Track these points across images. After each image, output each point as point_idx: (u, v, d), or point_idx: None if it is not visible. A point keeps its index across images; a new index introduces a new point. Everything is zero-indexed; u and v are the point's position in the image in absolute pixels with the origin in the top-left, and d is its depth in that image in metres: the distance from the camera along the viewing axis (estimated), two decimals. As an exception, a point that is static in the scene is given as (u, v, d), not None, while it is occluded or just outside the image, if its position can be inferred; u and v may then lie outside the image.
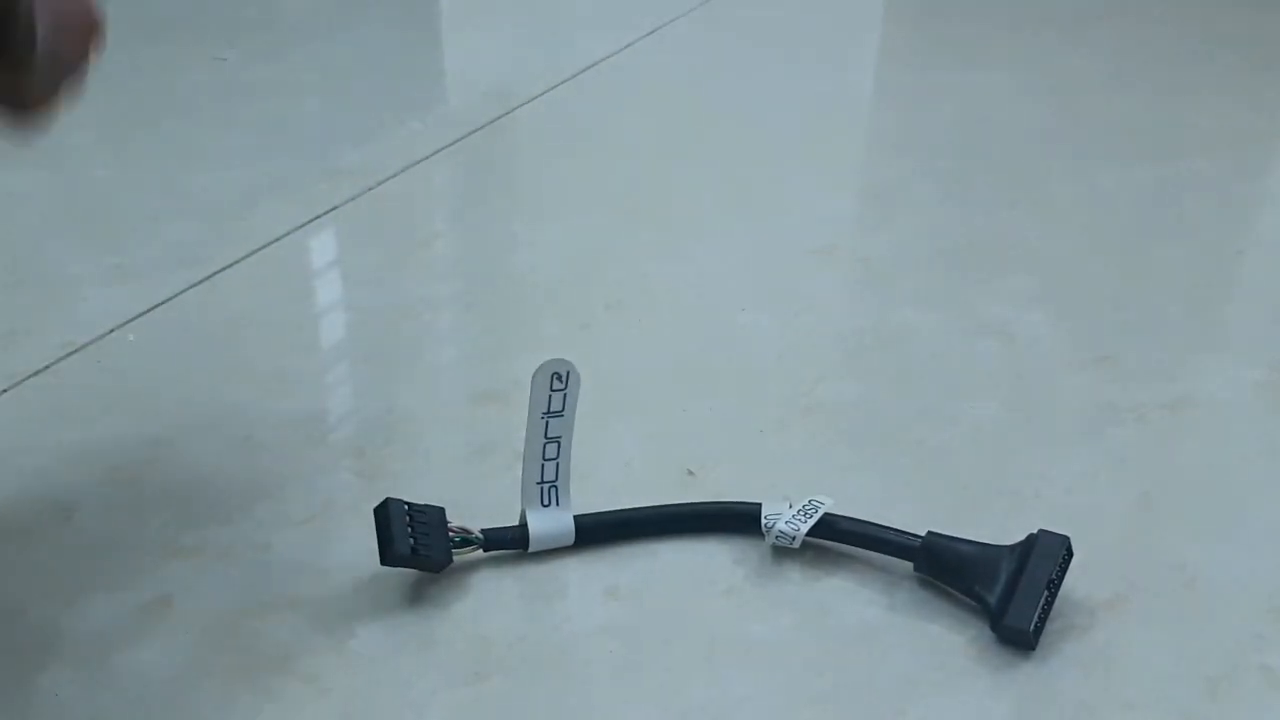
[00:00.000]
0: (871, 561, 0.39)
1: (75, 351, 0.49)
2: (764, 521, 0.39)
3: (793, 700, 0.34)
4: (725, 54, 0.89)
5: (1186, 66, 0.88)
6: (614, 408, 0.45)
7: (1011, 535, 0.38)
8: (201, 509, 0.40)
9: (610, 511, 0.40)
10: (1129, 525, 0.41)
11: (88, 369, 0.48)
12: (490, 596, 0.37)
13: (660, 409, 0.47)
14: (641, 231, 0.61)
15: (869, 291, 0.56)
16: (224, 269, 0.56)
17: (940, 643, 0.36)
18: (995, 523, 0.40)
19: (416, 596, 0.37)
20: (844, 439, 0.45)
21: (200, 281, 0.55)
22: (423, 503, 0.37)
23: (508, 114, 0.75)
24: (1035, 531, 0.37)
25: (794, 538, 0.38)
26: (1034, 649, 0.35)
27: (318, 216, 0.61)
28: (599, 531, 0.39)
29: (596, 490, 0.41)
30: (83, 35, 0.35)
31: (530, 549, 0.38)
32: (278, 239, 0.59)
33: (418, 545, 0.36)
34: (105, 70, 0.86)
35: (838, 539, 0.39)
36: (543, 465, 0.38)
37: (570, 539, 0.39)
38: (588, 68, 0.83)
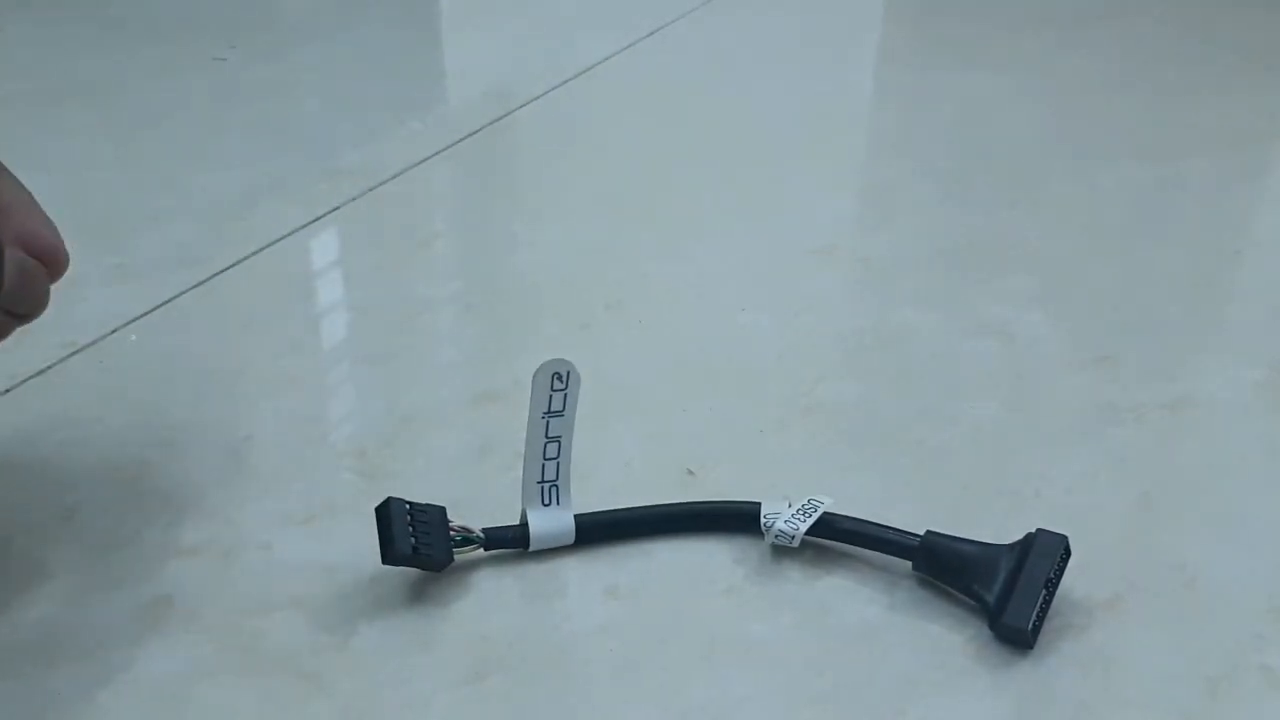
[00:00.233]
0: (871, 561, 0.39)
1: (76, 352, 0.49)
2: (763, 521, 0.39)
3: (793, 699, 0.34)
4: (725, 54, 0.89)
5: (1186, 67, 0.88)
6: (614, 408, 0.45)
7: (1011, 535, 0.38)
8: (202, 509, 0.41)
9: (610, 511, 0.40)
10: (1128, 525, 0.41)
11: (89, 369, 0.48)
12: (491, 596, 0.37)
13: (660, 409, 0.47)
14: (641, 231, 0.61)
15: (869, 291, 0.56)
16: (225, 269, 0.56)
17: (939, 642, 0.36)
18: (994, 522, 0.40)
19: (417, 595, 0.37)
20: (844, 439, 0.45)
21: (201, 282, 0.55)
22: (424, 502, 0.37)
23: (508, 114, 0.75)
24: (1034, 531, 0.37)
25: (793, 537, 0.38)
26: (1032, 648, 0.35)
27: (318, 217, 0.61)
28: (599, 531, 0.39)
29: (596, 490, 0.41)
30: (51, 273, 0.36)
31: (531, 548, 0.38)
32: (278, 239, 0.59)
33: (419, 544, 0.36)
34: (105, 70, 0.87)
35: (837, 538, 0.39)
36: (543, 465, 0.38)
37: (570, 538, 0.39)
38: (588, 68, 0.84)
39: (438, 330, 0.53)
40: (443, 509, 0.38)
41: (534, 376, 0.37)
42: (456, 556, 0.37)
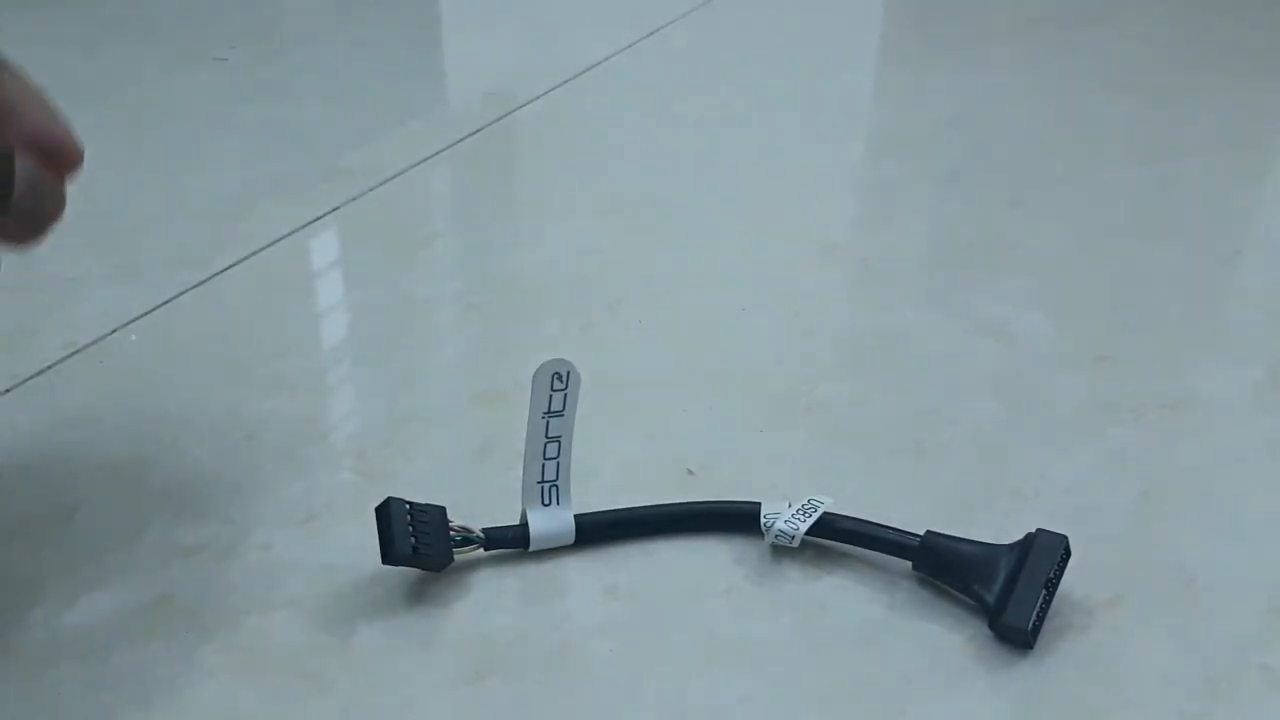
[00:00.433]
0: (870, 560, 0.39)
1: (77, 352, 0.49)
2: (763, 521, 0.39)
3: (792, 699, 0.34)
4: (725, 54, 0.89)
5: (1186, 67, 0.88)
6: (614, 408, 0.45)
7: (1010, 535, 0.38)
8: (202, 508, 0.41)
9: (610, 511, 0.40)
10: (1128, 525, 0.41)
11: (89, 369, 0.49)
12: (491, 595, 0.37)
13: (660, 409, 0.47)
14: (642, 232, 0.61)
15: (869, 291, 0.56)
16: (225, 269, 0.56)
17: (939, 641, 0.36)
18: (994, 522, 0.40)
19: (417, 595, 0.37)
20: (844, 438, 0.45)
21: (201, 282, 0.55)
22: (424, 502, 0.37)
23: (508, 114, 0.75)
24: (1034, 531, 0.37)
25: (793, 537, 0.38)
26: (1032, 647, 0.35)
27: (319, 217, 0.61)
28: (599, 531, 0.39)
29: (596, 490, 0.41)
30: (63, 170, 0.35)
31: (531, 548, 0.38)
32: (279, 239, 0.59)
33: (419, 544, 0.36)
34: (105, 71, 0.87)
35: (837, 538, 0.39)
36: (543, 465, 0.38)
37: (571, 538, 0.39)
38: (588, 69, 0.84)
39: (438, 330, 0.53)
40: (443, 509, 0.38)
41: (534, 376, 0.37)
42: (456, 556, 0.37)
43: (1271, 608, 0.37)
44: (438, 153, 0.69)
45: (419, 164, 0.68)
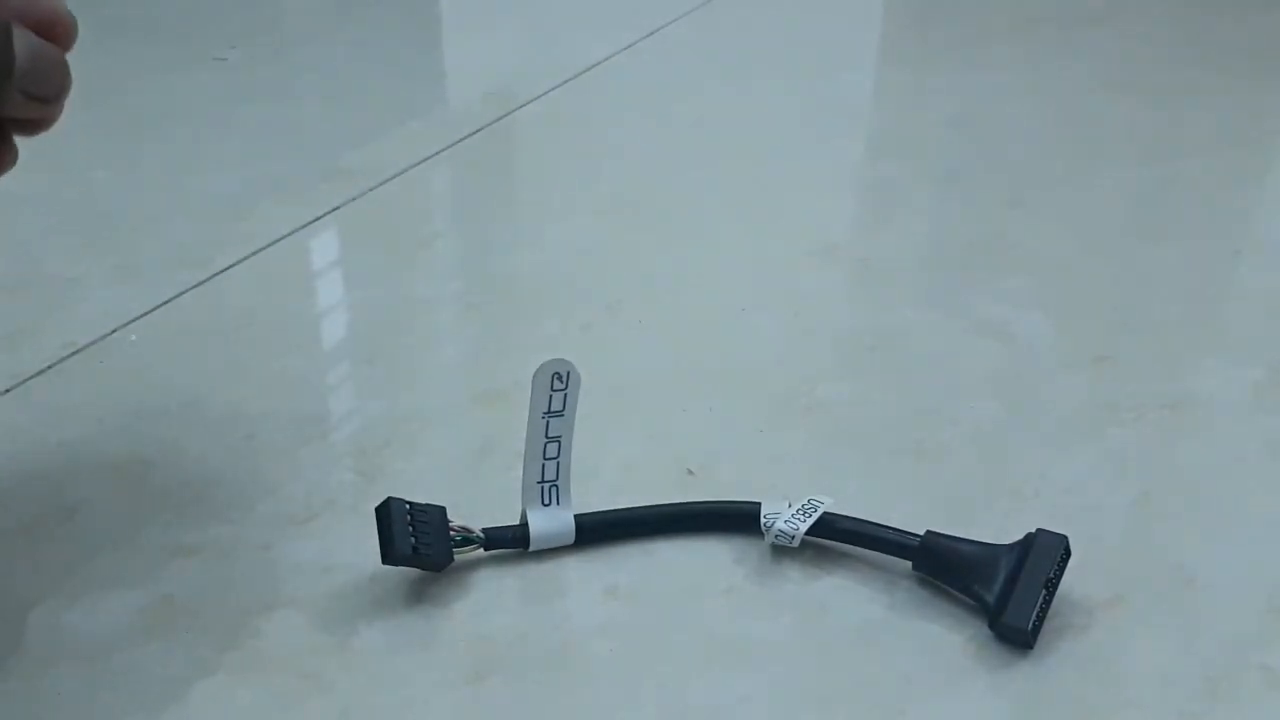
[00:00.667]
0: (870, 560, 0.39)
1: (77, 352, 0.49)
2: (763, 520, 0.39)
3: (792, 699, 0.34)
4: (725, 54, 0.89)
5: (1186, 67, 0.88)
6: (614, 407, 0.45)
7: (1010, 535, 0.38)
8: (203, 508, 0.41)
9: (610, 511, 0.40)
10: (1128, 525, 0.41)
11: (89, 369, 0.49)
12: (490, 595, 0.37)
13: (660, 409, 0.47)
14: (642, 232, 0.61)
15: (868, 291, 0.56)
16: (225, 269, 0.56)
17: (939, 641, 0.36)
18: (994, 522, 0.40)
19: (417, 595, 0.37)
20: (844, 438, 0.45)
21: (201, 282, 0.55)
22: (424, 502, 0.37)
23: (508, 114, 0.75)
24: (1034, 531, 0.37)
25: (793, 537, 0.38)
26: (1032, 647, 0.35)
27: (319, 217, 0.61)
28: (599, 531, 0.39)
29: (596, 490, 0.41)
30: (61, 41, 0.34)
31: (531, 548, 0.38)
32: (279, 239, 0.59)
33: (419, 544, 0.36)
34: (105, 71, 0.87)
35: (837, 538, 0.39)
36: (543, 465, 0.38)
37: (571, 538, 0.39)
38: (588, 69, 0.84)
39: (438, 330, 0.53)
40: (443, 509, 0.38)
41: (534, 376, 0.37)
42: (456, 556, 0.37)
43: (1271, 608, 0.37)
44: (438, 153, 0.69)
45: (419, 164, 0.68)
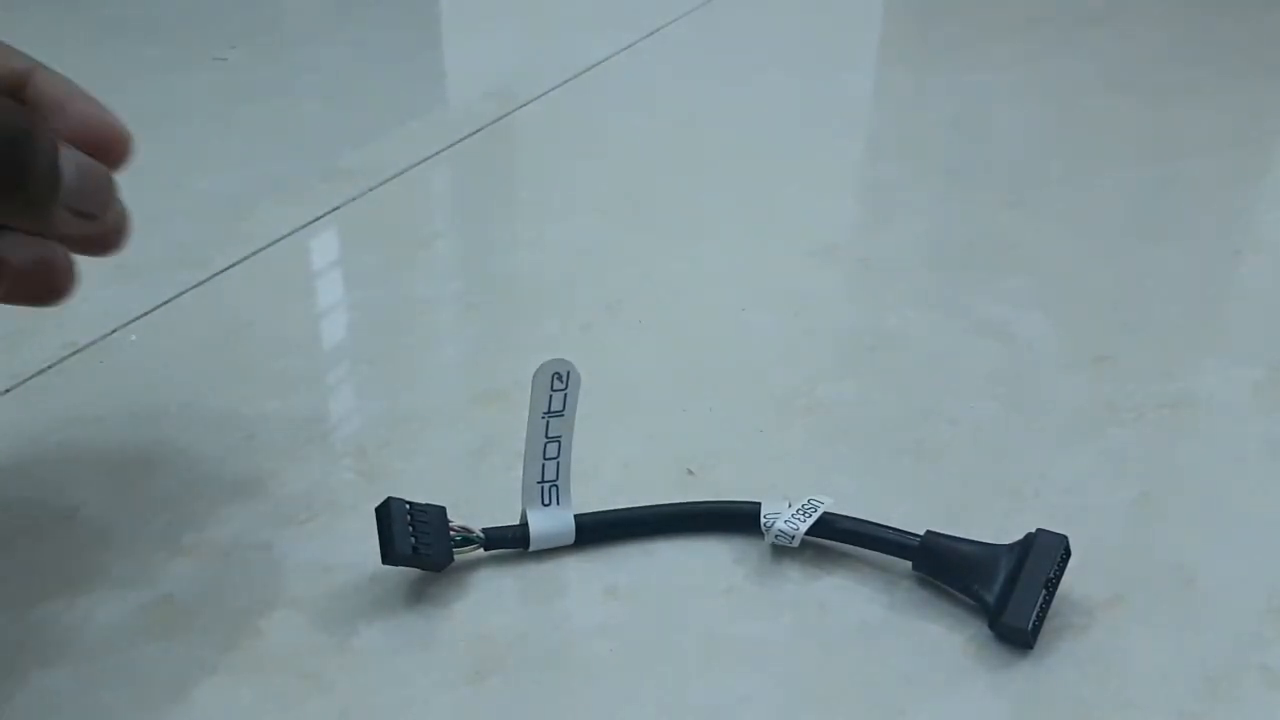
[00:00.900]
0: (870, 560, 0.39)
1: (77, 352, 0.49)
2: (763, 520, 0.39)
3: (792, 699, 0.34)
4: (725, 54, 0.89)
5: (1186, 67, 0.88)
6: (614, 407, 0.45)
7: (1010, 535, 0.38)
8: (203, 508, 0.41)
9: (610, 511, 0.40)
10: (1128, 525, 0.41)
11: (90, 369, 0.49)
12: (490, 595, 0.37)
13: (660, 409, 0.47)
14: (642, 232, 0.61)
15: (869, 291, 0.56)
16: (225, 269, 0.56)
17: (939, 641, 0.36)
18: (994, 522, 0.40)
19: (417, 595, 0.37)
20: (844, 438, 0.45)
21: (201, 282, 0.55)
22: (424, 502, 0.37)
23: (508, 114, 0.75)
24: (1034, 531, 0.37)
25: (793, 537, 0.38)
26: (1032, 648, 0.35)
27: (319, 217, 0.61)
28: (599, 531, 0.39)
29: (596, 490, 0.41)
30: (114, 161, 0.34)
31: (531, 548, 0.38)
32: (279, 239, 0.59)
33: (419, 544, 0.36)
34: (105, 71, 0.87)
35: (837, 538, 0.39)
36: (543, 465, 0.38)
37: (571, 538, 0.39)
38: (588, 69, 0.84)
39: (438, 330, 0.53)
40: (443, 509, 0.38)
41: (534, 376, 0.37)
42: (456, 556, 0.37)
43: (1271, 608, 0.37)
44: (438, 153, 0.70)
45: (419, 164, 0.68)
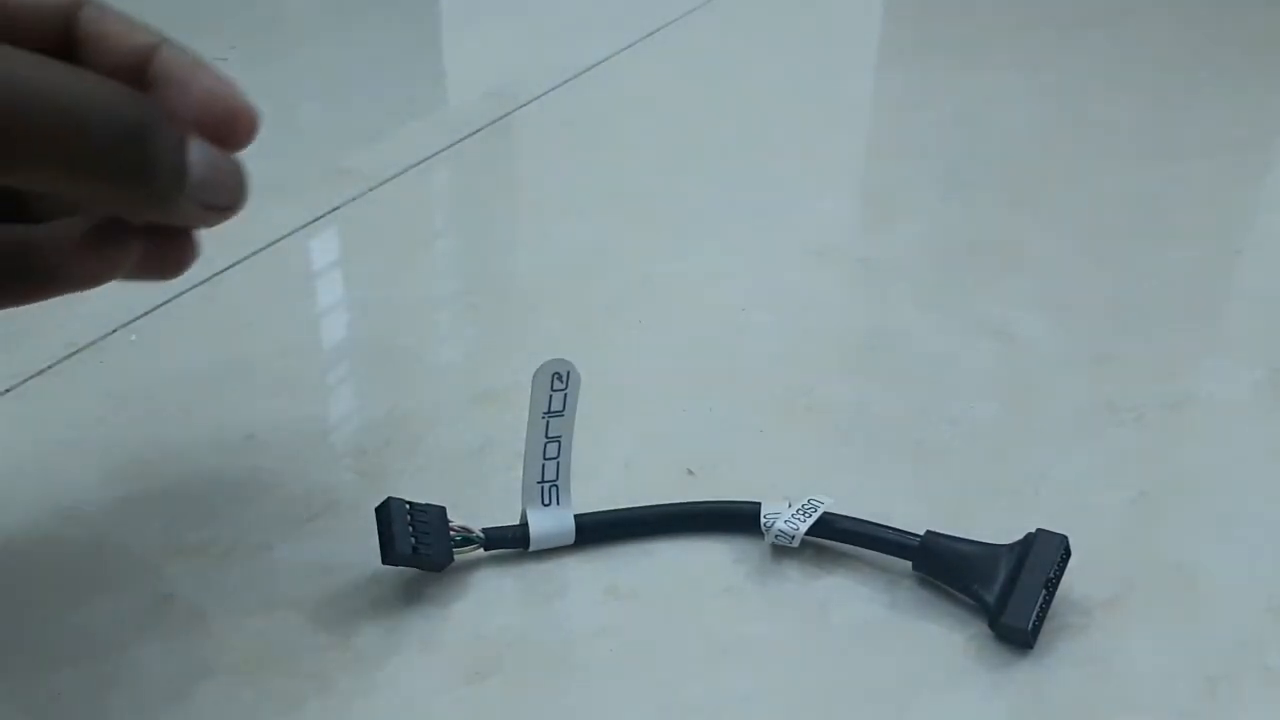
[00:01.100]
0: (870, 560, 0.39)
1: (77, 351, 0.49)
2: (763, 520, 0.39)
3: (792, 699, 0.34)
4: (725, 54, 0.89)
5: (1187, 67, 0.88)
6: (614, 408, 0.45)
7: (1010, 535, 0.38)
8: (203, 509, 0.41)
9: (610, 511, 0.40)
10: (1128, 525, 0.41)
11: (90, 369, 0.49)
12: (490, 595, 0.37)
13: (660, 409, 0.47)
14: (642, 232, 0.61)
15: (869, 292, 0.56)
16: (225, 269, 0.56)
17: (939, 641, 0.36)
18: (994, 522, 0.40)
19: (417, 595, 0.37)
20: (844, 438, 0.45)
21: (201, 282, 0.55)
22: (424, 502, 0.37)
23: (508, 114, 0.75)
24: (1034, 531, 0.37)
25: (793, 537, 0.38)
26: (1032, 648, 0.35)
27: (319, 217, 0.61)
28: (599, 531, 0.39)
29: (596, 490, 0.41)
30: (239, 142, 0.32)
31: (531, 548, 0.38)
32: (278, 239, 0.59)
33: (419, 544, 0.36)
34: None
35: (837, 538, 0.39)
36: (543, 465, 0.38)
37: (571, 538, 0.39)
38: (588, 69, 0.84)
39: (438, 330, 0.53)
40: (443, 509, 0.38)
41: (534, 376, 0.37)
42: (456, 556, 0.37)
43: (1271, 608, 0.37)
44: (438, 153, 0.69)
45: (419, 164, 0.68)
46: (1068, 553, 0.37)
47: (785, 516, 0.38)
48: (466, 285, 0.56)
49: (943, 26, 0.97)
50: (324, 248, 0.59)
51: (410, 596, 0.37)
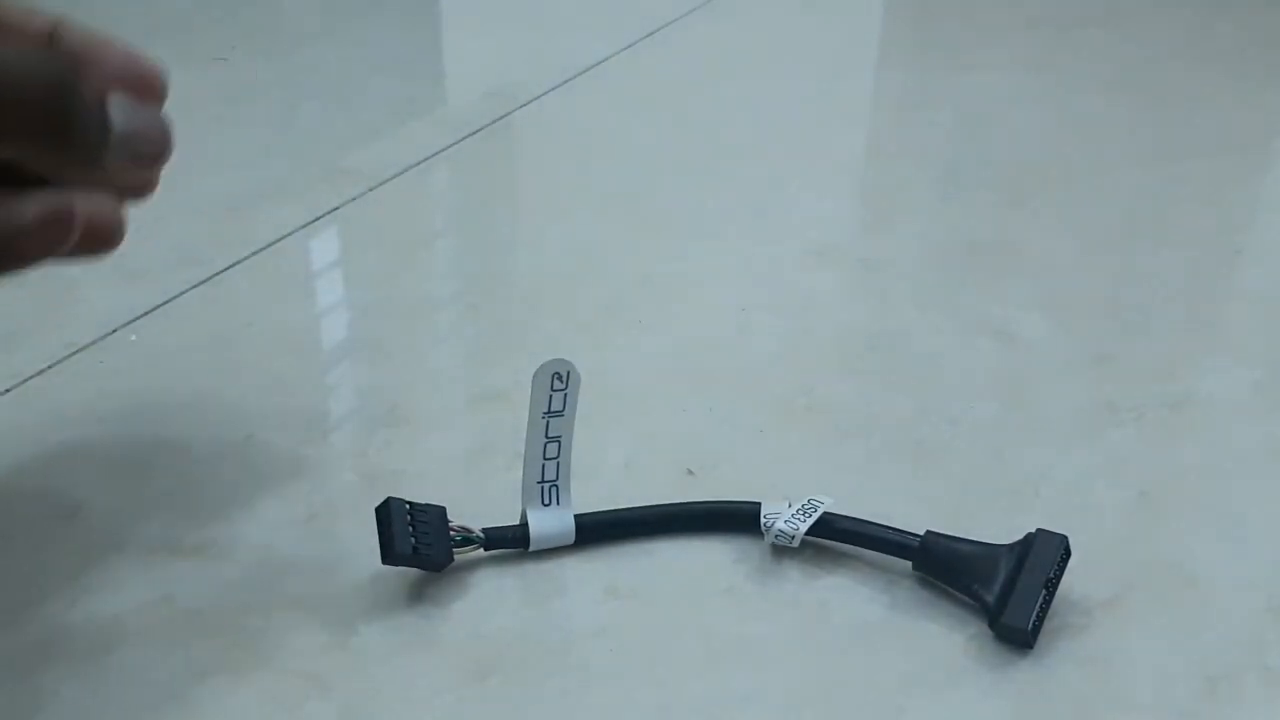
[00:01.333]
0: (870, 560, 0.39)
1: (77, 351, 0.49)
2: (763, 520, 0.39)
3: (792, 699, 0.34)
4: (725, 55, 0.89)
5: (1187, 67, 0.88)
6: (614, 408, 0.45)
7: (1011, 535, 0.38)
8: (203, 509, 0.41)
9: (610, 511, 0.40)
10: (1128, 524, 0.41)
11: (90, 369, 0.48)
12: (490, 595, 0.37)
13: (660, 409, 0.47)
14: (642, 232, 0.61)
15: (868, 292, 0.56)
16: (225, 269, 0.56)
17: (939, 641, 0.36)
18: (995, 522, 0.40)
19: (417, 595, 0.37)
20: (844, 439, 0.45)
21: (201, 282, 0.55)
22: (424, 502, 0.37)
23: (508, 114, 0.75)
24: (1034, 531, 0.37)
25: (793, 537, 0.38)
26: (1032, 648, 0.35)
27: (319, 217, 0.61)
28: (599, 531, 0.39)
29: (596, 490, 0.41)
30: (153, 101, 0.33)
31: (531, 548, 0.38)
32: (278, 239, 0.59)
33: (419, 544, 0.36)
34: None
35: (837, 538, 0.39)
36: (543, 465, 0.38)
37: (571, 538, 0.39)
38: (588, 69, 0.84)
39: (438, 330, 0.53)
40: (443, 509, 0.38)
41: (534, 376, 0.37)
42: (456, 556, 0.37)
43: (1271, 608, 0.37)
44: (438, 153, 0.69)
45: (419, 164, 0.68)
46: (1068, 553, 0.37)
47: (785, 516, 0.38)
48: (466, 285, 0.56)
49: (943, 26, 0.97)
50: (324, 248, 0.59)
51: (410, 596, 0.37)
